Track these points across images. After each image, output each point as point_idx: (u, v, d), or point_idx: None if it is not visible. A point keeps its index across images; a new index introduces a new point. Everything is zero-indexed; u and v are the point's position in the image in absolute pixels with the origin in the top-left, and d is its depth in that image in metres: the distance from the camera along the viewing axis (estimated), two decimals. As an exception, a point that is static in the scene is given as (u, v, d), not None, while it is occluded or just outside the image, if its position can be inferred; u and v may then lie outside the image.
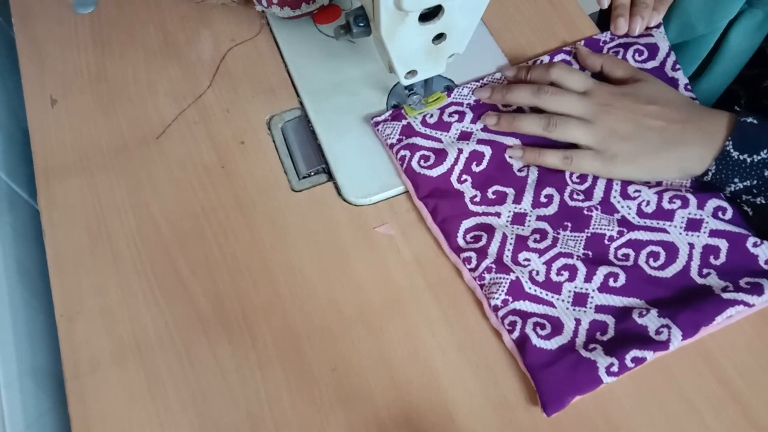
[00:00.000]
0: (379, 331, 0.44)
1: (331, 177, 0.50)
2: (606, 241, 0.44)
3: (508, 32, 0.57)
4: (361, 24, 0.46)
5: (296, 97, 0.54)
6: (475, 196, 0.47)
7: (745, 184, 0.43)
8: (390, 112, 0.50)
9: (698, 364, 0.42)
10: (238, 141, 0.52)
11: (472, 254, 0.44)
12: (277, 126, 0.53)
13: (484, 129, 0.50)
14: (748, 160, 0.43)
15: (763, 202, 0.43)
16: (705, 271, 0.43)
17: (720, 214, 0.44)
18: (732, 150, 0.43)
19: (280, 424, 0.41)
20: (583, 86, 0.48)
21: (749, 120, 0.43)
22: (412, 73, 0.47)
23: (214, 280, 0.46)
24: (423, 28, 0.43)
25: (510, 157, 0.48)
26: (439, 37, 0.45)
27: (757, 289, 0.41)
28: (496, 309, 0.43)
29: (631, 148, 0.45)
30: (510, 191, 0.47)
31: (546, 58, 0.53)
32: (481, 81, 0.52)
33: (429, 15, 0.43)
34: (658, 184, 0.47)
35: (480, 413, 0.41)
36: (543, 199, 0.46)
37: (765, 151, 0.42)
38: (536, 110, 0.49)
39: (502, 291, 0.43)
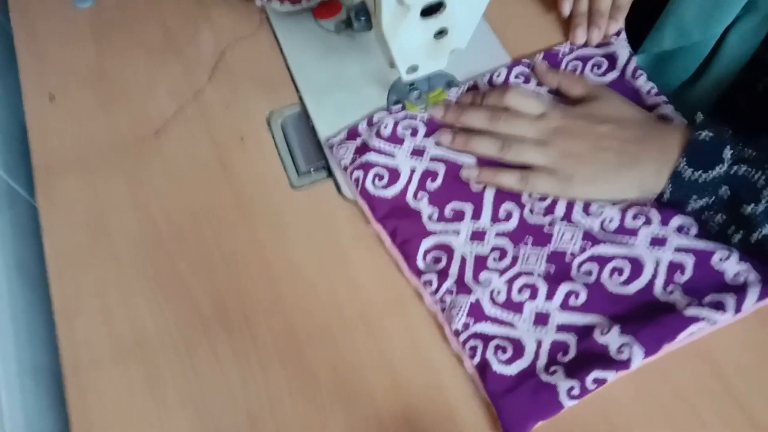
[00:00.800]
0: (380, 329, 0.44)
1: (330, 174, 0.50)
2: (568, 258, 0.44)
3: (509, 27, 0.56)
4: (362, 18, 0.45)
5: (296, 93, 0.54)
6: (433, 213, 0.46)
7: (703, 201, 0.42)
8: (346, 130, 0.49)
9: (697, 364, 0.41)
10: (238, 137, 0.52)
11: (433, 276, 0.43)
12: (277, 122, 0.52)
13: (439, 144, 0.48)
14: (703, 177, 0.42)
15: (722, 220, 0.42)
16: (669, 287, 0.42)
17: (685, 230, 0.43)
18: (686, 168, 0.42)
19: (280, 423, 0.41)
20: (537, 110, 0.47)
21: (703, 135, 0.42)
22: (413, 68, 0.47)
23: (213, 278, 0.46)
24: (424, 23, 0.43)
25: (465, 177, 0.47)
26: (441, 32, 0.44)
27: (720, 307, 0.40)
28: (457, 333, 0.42)
29: (587, 169, 0.45)
30: (468, 207, 0.46)
31: (504, 71, 0.52)
32: None
33: (430, 10, 0.42)
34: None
35: (482, 412, 0.41)
36: (502, 215, 0.46)
37: (719, 167, 0.41)
38: None
39: (463, 314, 0.42)
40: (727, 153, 0.42)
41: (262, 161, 0.50)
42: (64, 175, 0.50)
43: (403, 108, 0.51)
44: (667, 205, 0.44)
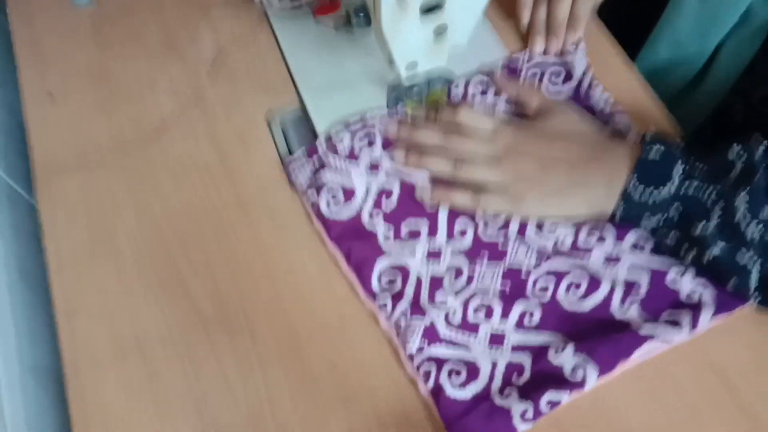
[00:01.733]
0: (380, 328, 0.43)
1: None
2: (524, 275, 0.43)
3: (509, 24, 0.56)
4: (362, 17, 0.45)
5: (296, 93, 0.53)
6: (388, 234, 0.45)
7: (655, 220, 0.42)
8: (304, 148, 0.49)
9: (697, 364, 0.41)
10: (238, 137, 0.51)
11: (387, 299, 0.43)
12: (277, 121, 0.52)
13: (393, 158, 0.48)
14: (654, 195, 0.41)
15: (675, 238, 0.41)
16: (626, 304, 0.42)
17: (639, 247, 0.43)
18: (636, 187, 0.41)
19: (281, 423, 0.41)
20: (489, 127, 0.47)
21: (653, 152, 0.42)
22: (412, 66, 0.47)
23: (214, 278, 0.46)
24: (424, 22, 0.43)
25: (419, 197, 0.47)
26: (441, 30, 0.44)
27: (676, 324, 0.40)
28: (411, 357, 0.41)
29: (537, 189, 0.44)
30: (424, 225, 0.46)
31: (462, 81, 0.51)
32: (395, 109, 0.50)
33: (430, 8, 0.42)
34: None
35: None
36: (457, 232, 0.45)
37: (668, 186, 0.41)
38: None
39: (417, 337, 0.41)
40: (678, 169, 0.41)
41: (262, 160, 0.50)
42: (65, 175, 0.50)
43: (404, 107, 0.50)
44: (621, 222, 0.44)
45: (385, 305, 0.43)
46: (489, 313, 0.42)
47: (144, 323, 0.44)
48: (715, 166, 0.41)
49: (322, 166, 0.48)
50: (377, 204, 0.46)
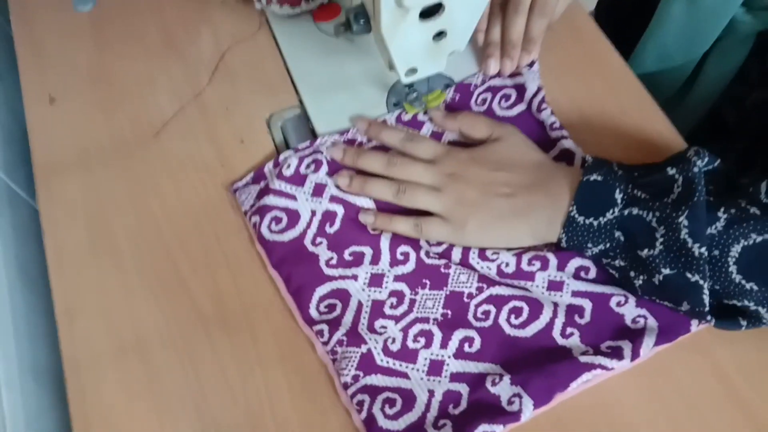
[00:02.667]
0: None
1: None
2: (465, 299, 0.43)
3: (508, 30, 0.57)
4: (361, 21, 0.46)
5: (296, 95, 0.54)
6: (331, 258, 0.45)
7: (599, 247, 0.41)
8: (252, 174, 0.49)
9: (698, 363, 0.42)
10: (238, 139, 0.52)
11: (324, 327, 0.42)
12: (277, 124, 0.53)
13: (338, 185, 0.48)
14: (595, 223, 0.41)
15: (622, 264, 0.41)
16: (568, 330, 0.41)
17: (583, 273, 0.43)
18: (577, 215, 0.41)
19: (280, 422, 0.41)
20: (431, 154, 0.47)
21: (592, 179, 0.41)
22: (412, 70, 0.47)
23: (214, 278, 0.46)
24: (423, 26, 0.43)
25: (363, 222, 0.47)
26: (440, 34, 0.45)
27: (616, 354, 0.40)
28: (345, 386, 0.41)
29: (479, 217, 0.44)
30: (367, 250, 0.45)
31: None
32: (344, 135, 0.50)
33: (429, 12, 0.43)
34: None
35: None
36: (400, 257, 0.45)
37: (610, 211, 0.40)
38: None
39: (352, 366, 0.41)
40: (619, 195, 0.41)
41: (261, 162, 0.51)
42: (65, 176, 0.50)
43: (403, 110, 0.51)
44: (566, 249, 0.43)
45: (321, 332, 0.42)
46: (429, 341, 0.42)
47: (144, 323, 0.44)
48: (656, 188, 0.40)
49: (267, 190, 0.47)
50: (321, 231, 0.46)
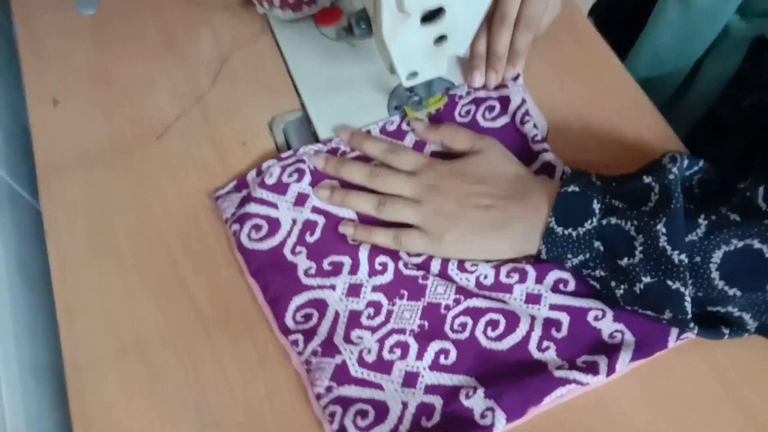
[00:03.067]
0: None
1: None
2: (443, 311, 0.43)
3: (507, 35, 0.57)
4: (363, 25, 0.46)
5: (298, 99, 0.54)
6: (310, 268, 0.45)
7: (579, 258, 0.41)
8: (235, 181, 0.48)
9: (698, 364, 0.42)
10: (240, 142, 0.52)
11: (299, 336, 0.42)
12: (279, 127, 0.53)
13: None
14: (574, 233, 0.41)
15: (603, 274, 0.41)
16: (545, 344, 0.41)
17: (561, 286, 0.43)
18: (555, 226, 0.41)
19: (280, 421, 0.41)
20: (412, 165, 0.47)
21: (570, 190, 0.42)
22: (413, 74, 0.48)
23: (214, 278, 0.46)
24: (424, 30, 0.44)
25: (342, 231, 0.47)
26: (441, 38, 0.45)
27: (592, 369, 0.40)
28: (318, 397, 0.41)
29: (457, 229, 0.44)
30: (346, 260, 0.45)
31: (397, 119, 0.51)
32: (328, 144, 0.50)
33: (430, 16, 0.43)
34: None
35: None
36: (378, 267, 0.45)
37: (588, 222, 0.40)
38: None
39: (326, 377, 0.41)
40: (596, 205, 0.41)
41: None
42: (67, 177, 0.50)
43: (404, 113, 0.51)
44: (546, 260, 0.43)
45: (297, 342, 0.42)
46: (404, 353, 0.42)
47: (144, 323, 0.45)
48: (633, 197, 0.40)
49: (248, 198, 0.47)
50: (301, 240, 0.46)
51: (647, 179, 0.41)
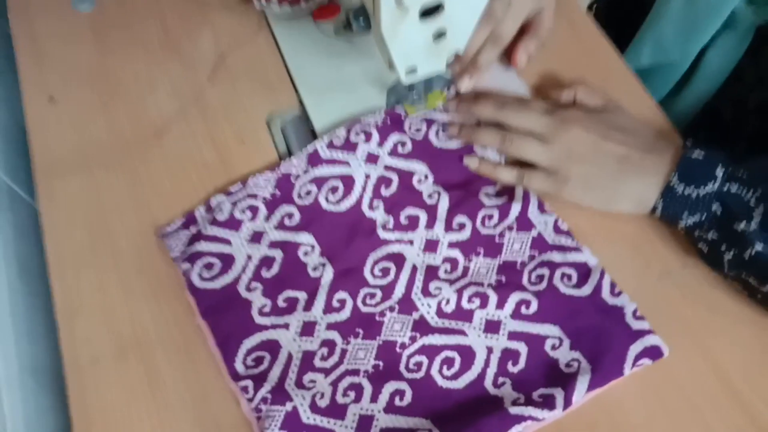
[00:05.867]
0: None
1: (331, 175, 0.50)
2: (398, 349, 0.42)
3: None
4: (361, 21, 0.46)
5: (296, 96, 0.54)
6: (264, 306, 0.44)
7: (695, 218, 0.42)
8: (182, 218, 0.47)
9: (699, 364, 0.42)
10: (238, 139, 0.52)
11: (249, 382, 0.41)
12: (277, 124, 0.53)
13: (278, 227, 0.46)
14: (694, 194, 0.42)
15: (715, 237, 0.42)
16: (500, 380, 0.41)
17: (523, 308, 0.42)
18: (677, 184, 0.42)
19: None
20: (545, 106, 0.48)
21: (693, 156, 0.43)
22: (412, 70, 0.48)
23: (214, 278, 0.46)
24: (423, 25, 0.43)
25: (466, 164, 0.47)
26: (440, 33, 0.45)
27: (548, 403, 0.39)
28: None
29: (585, 172, 0.44)
30: (302, 296, 0.44)
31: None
32: (277, 170, 0.48)
33: (429, 12, 0.43)
34: (461, 278, 0.44)
35: None
36: (336, 303, 0.44)
37: (711, 183, 0.42)
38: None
39: (275, 426, 0.39)
40: (720, 171, 0.42)
41: (262, 163, 0.51)
42: (65, 176, 0.50)
43: (403, 110, 0.51)
44: (508, 279, 0.43)
45: (247, 388, 0.41)
46: (359, 396, 0.41)
47: (144, 322, 0.44)
48: (757, 172, 0.41)
49: (199, 236, 0.46)
50: (257, 273, 0.45)
51: None
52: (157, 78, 0.55)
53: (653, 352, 0.40)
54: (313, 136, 0.52)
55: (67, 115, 0.53)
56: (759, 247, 0.40)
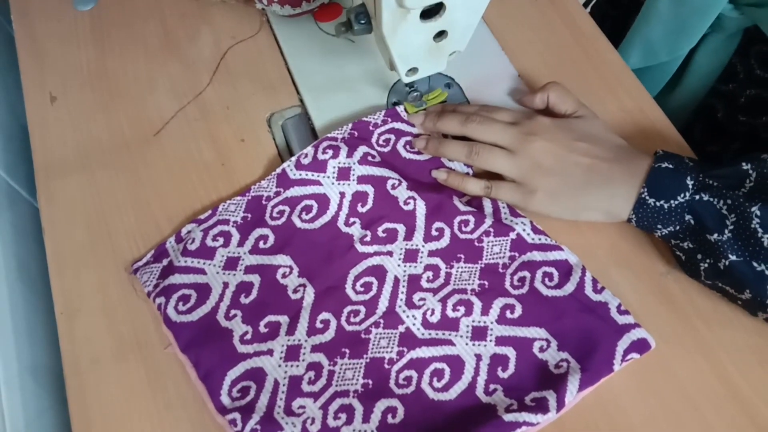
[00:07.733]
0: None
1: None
2: (386, 365, 0.41)
3: (508, 30, 0.57)
4: (362, 21, 0.46)
5: (296, 95, 0.54)
6: (246, 333, 0.42)
7: (669, 229, 0.42)
8: (153, 251, 0.46)
9: (698, 361, 0.42)
10: (239, 138, 0.52)
11: (237, 415, 0.39)
12: (278, 124, 0.53)
13: (253, 251, 0.45)
14: (666, 206, 0.41)
15: (690, 246, 0.42)
16: (491, 387, 0.40)
17: (508, 313, 0.42)
18: (648, 197, 0.42)
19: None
20: (511, 118, 0.47)
21: (663, 167, 0.42)
22: (413, 70, 0.47)
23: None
24: (424, 26, 0.43)
25: (434, 176, 0.46)
26: (441, 34, 0.45)
27: (541, 407, 0.38)
28: None
29: (552, 184, 0.44)
30: (283, 320, 0.43)
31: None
32: (247, 194, 0.47)
33: (430, 12, 0.43)
34: (444, 286, 0.44)
35: None
36: (319, 325, 0.43)
37: (681, 195, 0.41)
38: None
39: None
40: (690, 181, 0.41)
41: (262, 162, 0.51)
42: (65, 175, 0.50)
43: (404, 109, 0.51)
44: (491, 285, 0.43)
45: (235, 421, 0.39)
46: (350, 417, 0.40)
47: (144, 322, 0.44)
48: (727, 180, 0.41)
49: (171, 268, 0.45)
50: (235, 301, 0.44)
51: (746, 166, 0.41)
52: (157, 77, 0.55)
53: (641, 346, 0.40)
54: (314, 134, 0.52)
55: (68, 114, 0.53)
56: (732, 257, 0.39)
